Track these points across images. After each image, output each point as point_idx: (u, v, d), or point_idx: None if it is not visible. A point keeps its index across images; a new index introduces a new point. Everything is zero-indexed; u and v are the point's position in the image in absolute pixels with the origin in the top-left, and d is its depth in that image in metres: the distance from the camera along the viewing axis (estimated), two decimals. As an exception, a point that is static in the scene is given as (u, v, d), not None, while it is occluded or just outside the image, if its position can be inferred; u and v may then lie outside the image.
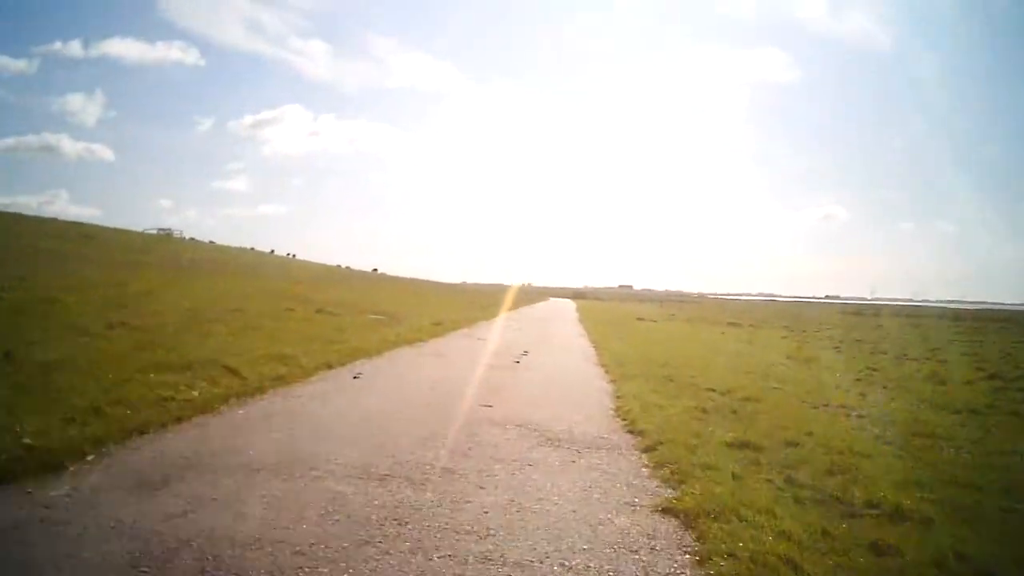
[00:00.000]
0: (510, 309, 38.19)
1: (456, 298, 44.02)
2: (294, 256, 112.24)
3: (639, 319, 37.08)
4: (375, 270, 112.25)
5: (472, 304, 36.82)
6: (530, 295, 78.69)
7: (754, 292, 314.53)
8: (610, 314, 41.58)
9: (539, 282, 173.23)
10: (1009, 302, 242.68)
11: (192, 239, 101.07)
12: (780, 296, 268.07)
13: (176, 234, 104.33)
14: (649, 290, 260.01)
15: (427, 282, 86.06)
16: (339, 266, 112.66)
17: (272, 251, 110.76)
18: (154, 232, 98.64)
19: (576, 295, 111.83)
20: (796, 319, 44.86)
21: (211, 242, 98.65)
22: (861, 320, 48.17)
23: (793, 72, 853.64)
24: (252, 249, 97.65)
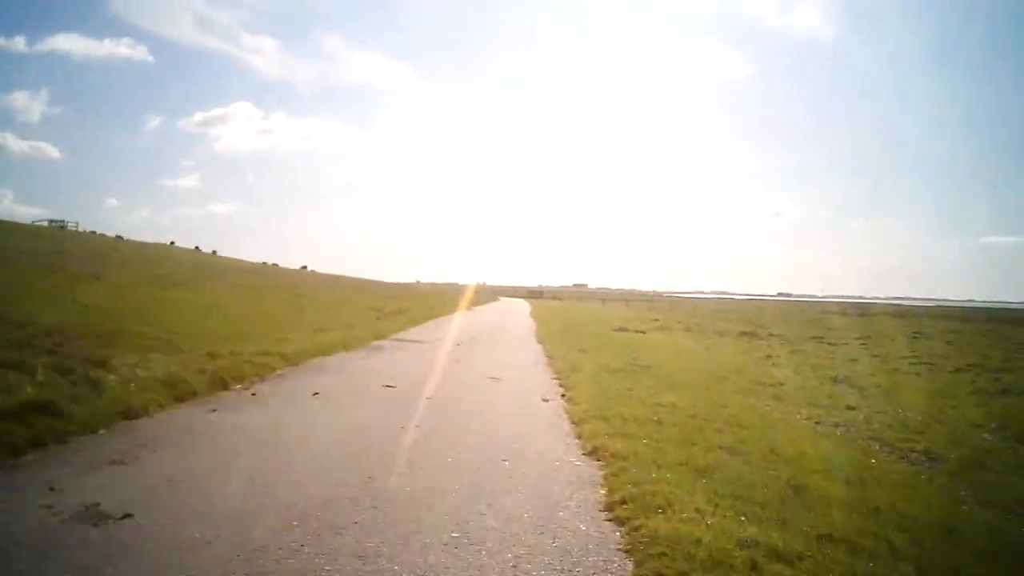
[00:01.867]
0: (439, 316, 27.15)
1: (369, 302, 32.39)
2: (214, 252, 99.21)
3: (621, 329, 26.47)
4: (304, 267, 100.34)
5: (382, 312, 25.43)
6: (480, 295, 68.72)
7: (707, 290, 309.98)
8: (576, 320, 30.94)
9: (494, 281, 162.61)
10: (952, 297, 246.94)
11: (93, 232, 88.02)
12: (734, 294, 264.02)
13: (71, 226, 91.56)
14: (605, 288, 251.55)
15: (360, 280, 73.91)
16: (265, 263, 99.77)
17: (196, 247, 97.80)
18: (44, 224, 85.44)
19: (531, 294, 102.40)
20: (812, 325, 35.30)
21: (117, 237, 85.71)
22: (863, 322, 39.40)
23: (744, 68, 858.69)
24: (172, 244, 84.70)
